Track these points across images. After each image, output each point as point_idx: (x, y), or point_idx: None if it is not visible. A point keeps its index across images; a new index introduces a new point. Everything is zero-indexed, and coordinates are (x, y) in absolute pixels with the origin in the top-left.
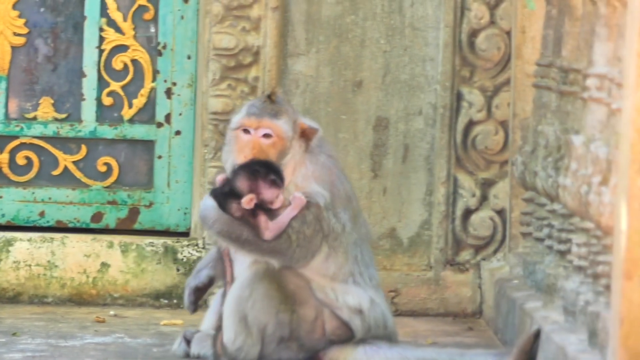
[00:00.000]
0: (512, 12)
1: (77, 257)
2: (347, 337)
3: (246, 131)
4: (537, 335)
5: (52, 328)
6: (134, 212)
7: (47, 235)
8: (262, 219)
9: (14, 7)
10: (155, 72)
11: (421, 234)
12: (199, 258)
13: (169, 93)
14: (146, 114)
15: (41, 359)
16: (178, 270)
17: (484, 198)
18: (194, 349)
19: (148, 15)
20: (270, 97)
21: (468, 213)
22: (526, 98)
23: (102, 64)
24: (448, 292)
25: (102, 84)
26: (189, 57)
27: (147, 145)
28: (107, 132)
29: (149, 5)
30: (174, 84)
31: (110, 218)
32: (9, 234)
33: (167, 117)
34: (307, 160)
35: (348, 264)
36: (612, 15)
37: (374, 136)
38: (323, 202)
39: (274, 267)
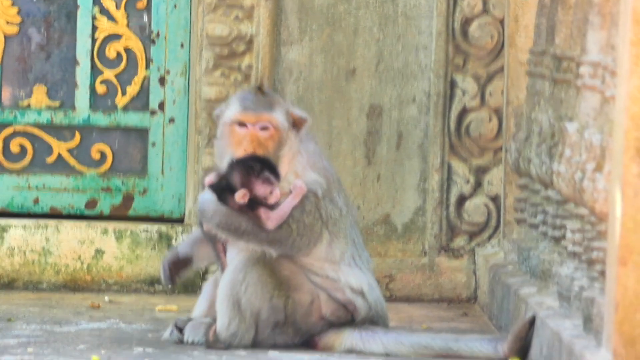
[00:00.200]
0: (504, 1)
1: (71, 244)
2: (346, 318)
3: (242, 124)
4: (531, 322)
5: (47, 314)
6: (128, 198)
7: (42, 222)
8: (261, 210)
9: None
10: (149, 61)
11: (415, 220)
12: None
13: (162, 81)
14: (140, 101)
15: (36, 344)
16: None
17: (478, 185)
18: (188, 336)
19: (141, 4)
20: (261, 89)
21: (462, 199)
22: (520, 86)
23: (95, 52)
24: (443, 278)
25: (95, 72)
26: (182, 46)
27: (141, 132)
28: (101, 119)
29: None
30: (168, 72)
31: (105, 205)
32: (3, 221)
33: (161, 105)
34: (302, 149)
35: (349, 247)
36: (606, 4)
37: (368, 124)
38: (320, 190)
39: (271, 255)
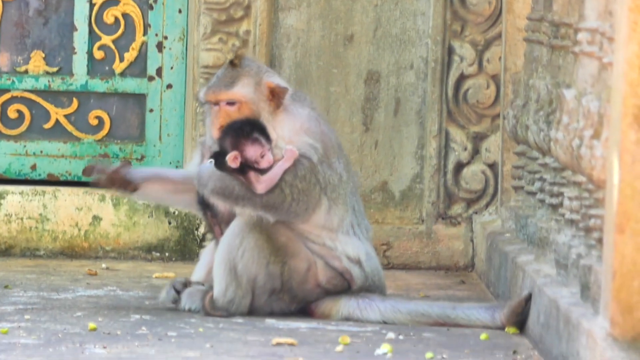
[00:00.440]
0: None
1: (68, 210)
2: (342, 287)
3: (212, 103)
4: (527, 299)
5: (44, 281)
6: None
7: (39, 188)
8: (252, 173)
9: None
10: (147, 26)
11: (413, 187)
12: (190, 212)
13: (160, 47)
14: (137, 67)
15: (33, 311)
16: (170, 223)
17: (475, 152)
18: (185, 303)
19: None
20: (233, 63)
21: (460, 167)
22: (517, 52)
23: (93, 17)
24: (440, 245)
25: (93, 37)
26: (180, 11)
27: (139, 98)
28: (99, 85)
29: None
30: (165, 37)
31: None
32: (0, 187)
33: (159, 71)
34: (292, 115)
35: (348, 215)
36: None
37: (365, 90)
38: (316, 155)
39: (269, 221)
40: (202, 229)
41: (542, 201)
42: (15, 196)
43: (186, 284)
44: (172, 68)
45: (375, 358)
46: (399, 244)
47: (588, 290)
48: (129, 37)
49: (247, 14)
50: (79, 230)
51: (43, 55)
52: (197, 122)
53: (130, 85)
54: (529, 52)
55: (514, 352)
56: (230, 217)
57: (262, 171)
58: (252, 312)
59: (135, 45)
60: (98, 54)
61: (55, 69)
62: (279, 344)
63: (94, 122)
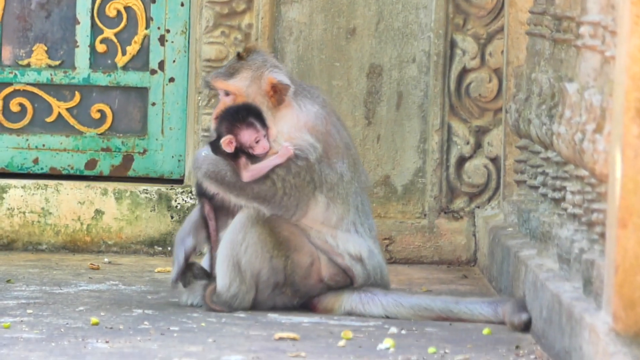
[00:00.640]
0: None
1: (71, 204)
2: (344, 283)
3: (216, 89)
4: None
5: (47, 275)
6: (128, 159)
7: (41, 182)
8: (242, 160)
9: None
10: (149, 19)
11: (415, 181)
12: (193, 205)
13: (162, 40)
14: (140, 61)
15: (35, 305)
16: (172, 217)
17: (478, 146)
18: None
19: None
20: (240, 55)
21: (462, 161)
22: (520, 46)
23: (95, 11)
24: (442, 239)
25: (95, 31)
26: (182, 4)
27: (141, 92)
28: (101, 79)
29: None
30: (168, 31)
31: (104, 165)
32: (2, 181)
33: (161, 64)
34: (296, 111)
35: (350, 214)
36: None
37: (368, 83)
38: (314, 154)
39: (271, 216)
40: None
41: (544, 195)
42: (17, 190)
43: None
44: (174, 61)
45: (378, 353)
46: (402, 238)
47: (590, 285)
48: (131, 30)
49: (249, 7)
50: (82, 224)
51: (45, 48)
52: (200, 115)
53: (133, 78)
54: (531, 46)
55: (517, 346)
56: (228, 211)
57: (257, 159)
58: (255, 306)
59: (138, 38)
60: (100, 47)
61: (57, 63)
62: (281, 339)
63: (96, 115)
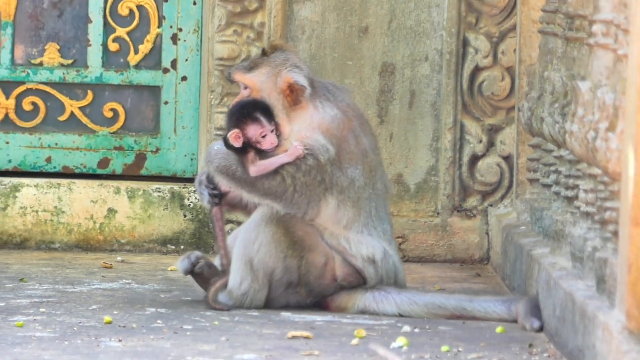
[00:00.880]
0: None
1: (84, 203)
2: (358, 283)
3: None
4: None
5: (60, 274)
6: (141, 157)
7: (54, 181)
8: (251, 155)
9: None
10: (161, 18)
11: (428, 180)
12: None
13: (174, 39)
14: (152, 59)
15: (48, 304)
16: (185, 216)
17: (490, 144)
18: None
19: None
20: (264, 51)
21: (475, 159)
22: (532, 44)
23: (107, 9)
24: (455, 238)
25: (107, 29)
26: (194, 3)
27: (154, 90)
28: (113, 77)
29: None
30: (180, 29)
31: (117, 164)
32: (15, 180)
33: (173, 63)
34: (312, 112)
35: (361, 218)
36: None
37: (380, 82)
38: (326, 154)
39: (285, 215)
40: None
41: (557, 194)
42: (30, 189)
43: (200, 258)
44: (186, 60)
45: (391, 351)
46: (414, 236)
47: (604, 283)
48: (143, 29)
49: (261, 5)
50: (94, 223)
51: (58, 47)
52: (212, 114)
53: (145, 77)
54: (544, 44)
55: (530, 345)
56: (247, 212)
57: (268, 154)
58: (268, 305)
59: (150, 37)
60: (113, 46)
61: (70, 61)
62: (294, 337)
63: (109, 114)
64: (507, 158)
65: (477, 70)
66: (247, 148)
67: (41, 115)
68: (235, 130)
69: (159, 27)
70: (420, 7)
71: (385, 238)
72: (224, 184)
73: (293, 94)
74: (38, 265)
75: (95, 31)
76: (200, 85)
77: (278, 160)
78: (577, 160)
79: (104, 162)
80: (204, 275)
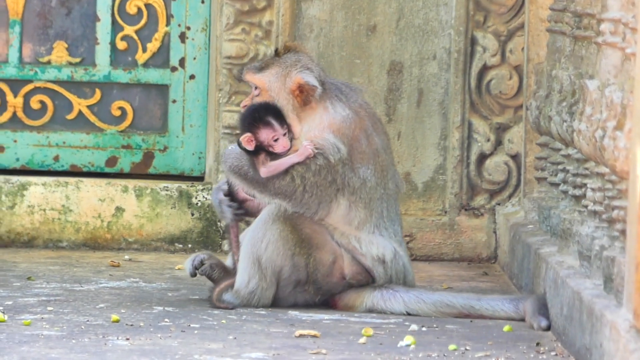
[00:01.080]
0: None
1: (91, 202)
2: (366, 282)
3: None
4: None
5: (67, 272)
6: (149, 156)
7: (62, 179)
8: (261, 156)
9: None
10: (170, 17)
11: (436, 178)
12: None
13: (183, 37)
14: (160, 58)
15: (56, 303)
16: (192, 214)
17: (498, 143)
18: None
19: None
20: (277, 52)
21: (483, 158)
22: (540, 43)
23: (115, 8)
24: (463, 237)
25: (116, 28)
26: (202, 1)
27: (162, 89)
28: (122, 76)
29: None
30: (188, 28)
31: (125, 162)
32: (23, 179)
33: (182, 62)
34: (323, 113)
35: (372, 219)
36: None
37: (388, 80)
38: (338, 154)
39: (291, 213)
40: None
41: (565, 192)
42: (38, 187)
43: (205, 260)
44: (194, 59)
45: (399, 350)
46: (422, 235)
47: (611, 282)
48: (151, 27)
49: (269, 4)
50: (102, 221)
51: (66, 45)
52: (220, 112)
53: (153, 76)
54: (552, 43)
55: (537, 343)
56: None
57: (279, 156)
58: (275, 303)
59: (158, 35)
60: (121, 45)
61: (78, 60)
62: (302, 336)
63: (117, 113)
64: (514, 157)
65: (485, 68)
66: (260, 150)
67: (49, 113)
68: (248, 134)
69: (167, 25)
70: (429, 6)
71: (397, 239)
72: (237, 184)
73: (303, 95)
74: (46, 264)
75: (103, 29)
76: (208, 84)
77: (288, 160)
78: (585, 159)
79: (111, 161)
80: (213, 277)
